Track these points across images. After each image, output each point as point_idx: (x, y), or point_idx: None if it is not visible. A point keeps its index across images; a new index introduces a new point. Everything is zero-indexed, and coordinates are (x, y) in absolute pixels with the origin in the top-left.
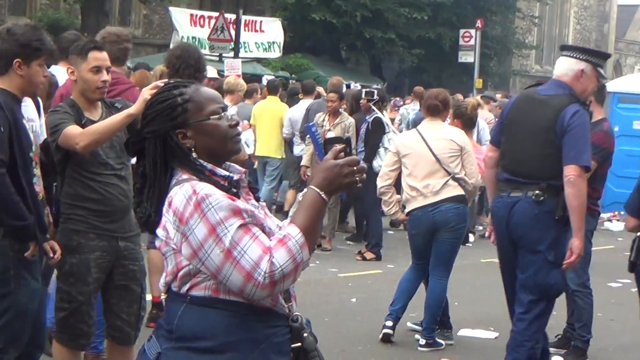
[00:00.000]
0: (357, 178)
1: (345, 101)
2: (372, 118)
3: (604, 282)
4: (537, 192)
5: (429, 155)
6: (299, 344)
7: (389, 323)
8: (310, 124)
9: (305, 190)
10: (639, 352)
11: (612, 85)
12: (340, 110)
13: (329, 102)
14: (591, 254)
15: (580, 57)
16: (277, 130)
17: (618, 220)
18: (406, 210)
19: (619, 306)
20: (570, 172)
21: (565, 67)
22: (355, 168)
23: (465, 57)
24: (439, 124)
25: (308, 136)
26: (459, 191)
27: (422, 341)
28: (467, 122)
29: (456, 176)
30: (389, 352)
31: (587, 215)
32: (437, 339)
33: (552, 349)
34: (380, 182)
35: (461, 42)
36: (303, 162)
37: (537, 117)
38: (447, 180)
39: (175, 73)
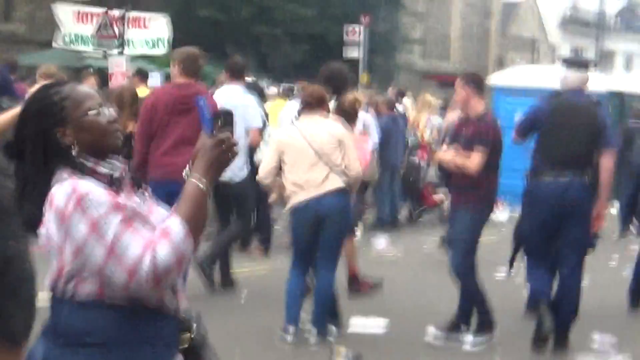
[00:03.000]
0: (230, 154)
1: None
2: None
3: (489, 273)
4: (586, 176)
5: (308, 149)
6: (189, 339)
7: (291, 331)
8: (201, 97)
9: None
10: (525, 340)
11: (494, 79)
12: None
13: None
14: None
15: (585, 68)
16: None
17: (501, 210)
18: (288, 206)
19: (503, 297)
20: (609, 155)
21: (580, 77)
22: (224, 146)
23: (351, 53)
24: (316, 118)
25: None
26: (341, 184)
27: (314, 330)
28: (346, 117)
29: (337, 169)
30: (278, 346)
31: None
32: (328, 329)
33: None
34: (264, 181)
35: (347, 37)
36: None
37: (581, 118)
38: (328, 173)
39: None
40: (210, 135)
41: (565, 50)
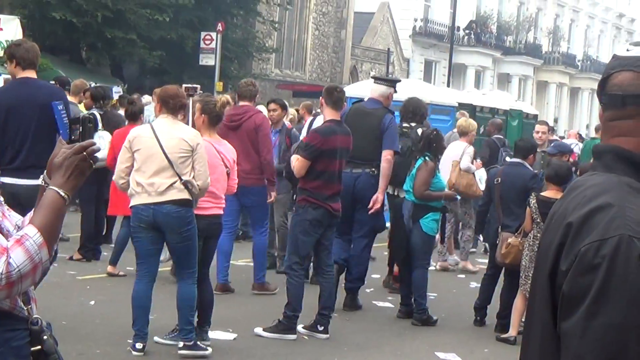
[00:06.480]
0: (91, 161)
1: None
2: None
3: None
4: (372, 169)
5: (160, 153)
6: (39, 347)
7: (139, 345)
8: (57, 102)
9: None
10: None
11: (348, 90)
12: None
13: None
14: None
15: (390, 85)
16: None
17: None
18: (130, 205)
19: None
20: (387, 154)
21: (380, 91)
22: (85, 153)
23: (206, 60)
24: (173, 122)
25: None
26: (184, 195)
27: (181, 343)
28: (214, 119)
29: (184, 178)
30: (127, 355)
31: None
32: (197, 342)
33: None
34: (118, 181)
35: (202, 44)
36: None
37: (368, 122)
38: (174, 182)
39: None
40: (68, 141)
41: (418, 63)
